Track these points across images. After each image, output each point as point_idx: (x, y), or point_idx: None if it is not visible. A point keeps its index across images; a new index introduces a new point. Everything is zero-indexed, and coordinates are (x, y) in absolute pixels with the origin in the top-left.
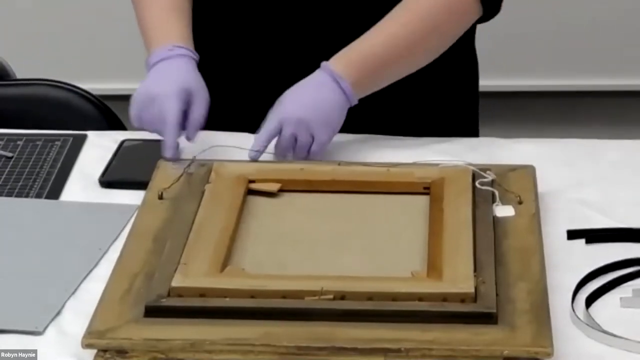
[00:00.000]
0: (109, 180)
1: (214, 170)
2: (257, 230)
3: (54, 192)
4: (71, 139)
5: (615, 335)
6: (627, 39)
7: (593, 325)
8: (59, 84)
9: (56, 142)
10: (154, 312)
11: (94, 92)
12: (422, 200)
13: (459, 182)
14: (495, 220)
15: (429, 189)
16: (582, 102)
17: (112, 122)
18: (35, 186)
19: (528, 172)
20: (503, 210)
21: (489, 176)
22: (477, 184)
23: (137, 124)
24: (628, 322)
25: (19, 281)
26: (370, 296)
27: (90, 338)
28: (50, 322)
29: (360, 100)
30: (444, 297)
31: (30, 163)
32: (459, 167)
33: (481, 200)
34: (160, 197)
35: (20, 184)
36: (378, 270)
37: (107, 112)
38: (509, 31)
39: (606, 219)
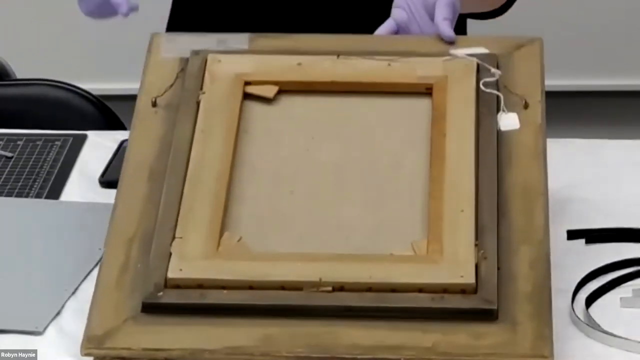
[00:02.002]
0: (109, 180)
1: (207, 71)
2: (255, 168)
3: (54, 192)
4: (71, 139)
5: (615, 335)
6: (628, 39)
7: (593, 325)
8: (59, 84)
9: (56, 142)
10: (151, 307)
11: (94, 92)
12: (424, 108)
13: (462, 83)
14: (499, 138)
15: (431, 89)
16: (582, 102)
17: (112, 122)
18: (35, 186)
19: (535, 52)
20: (507, 122)
21: (495, 73)
22: (481, 85)
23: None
24: (628, 322)
25: (19, 281)
26: (369, 287)
27: (89, 347)
28: (51, 322)
29: None
30: (445, 289)
31: (30, 163)
32: (463, 62)
33: (485, 112)
34: (154, 105)
35: (20, 184)
36: (377, 231)
37: (106, 112)
38: (508, 31)
39: (606, 219)
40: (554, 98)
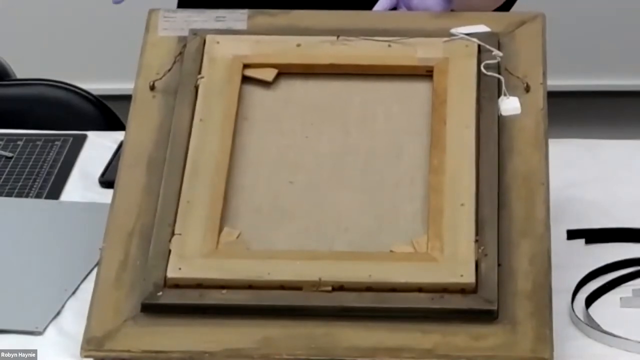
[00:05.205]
0: (109, 180)
1: (206, 53)
2: (254, 157)
3: (54, 192)
4: (71, 139)
5: (615, 335)
6: (628, 39)
7: (593, 325)
8: (59, 84)
9: (56, 142)
10: (150, 307)
11: (94, 92)
12: (425, 91)
13: (463, 66)
14: (500, 123)
15: (431, 71)
16: (582, 102)
17: (112, 122)
18: (35, 186)
19: (537, 29)
20: (509, 106)
21: (496, 55)
22: (482, 68)
23: None
24: (628, 322)
25: (19, 281)
26: (369, 286)
27: (89, 349)
28: (51, 322)
29: None
30: (444, 288)
31: (30, 163)
32: (464, 43)
33: (486, 97)
34: (152, 88)
35: (20, 184)
36: (377, 225)
37: (106, 112)
38: None
39: (606, 219)
40: (554, 98)
